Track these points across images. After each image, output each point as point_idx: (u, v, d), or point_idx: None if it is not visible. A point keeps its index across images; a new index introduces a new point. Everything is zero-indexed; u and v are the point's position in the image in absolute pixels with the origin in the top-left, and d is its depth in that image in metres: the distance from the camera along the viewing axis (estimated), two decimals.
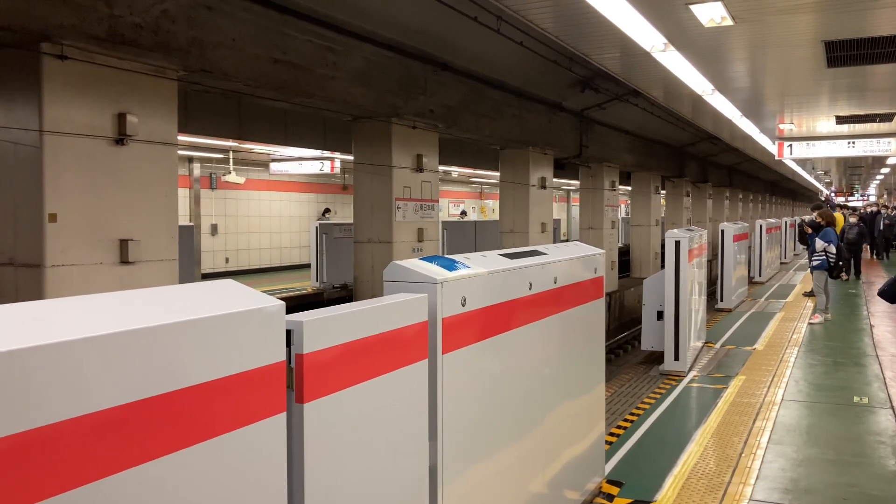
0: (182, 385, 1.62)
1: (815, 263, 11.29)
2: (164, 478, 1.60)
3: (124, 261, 5.67)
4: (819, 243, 11.09)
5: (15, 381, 1.30)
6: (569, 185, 31.84)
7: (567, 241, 30.94)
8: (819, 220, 11.83)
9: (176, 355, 1.61)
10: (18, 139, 5.34)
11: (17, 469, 1.30)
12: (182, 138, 10.50)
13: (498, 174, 13.38)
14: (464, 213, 31.29)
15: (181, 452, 1.63)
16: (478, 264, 3.13)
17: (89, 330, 1.44)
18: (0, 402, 1.28)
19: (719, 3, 6.34)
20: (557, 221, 17.25)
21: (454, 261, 3.01)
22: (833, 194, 46.19)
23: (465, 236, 16.78)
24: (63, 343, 1.38)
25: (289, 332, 1.99)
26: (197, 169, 18.32)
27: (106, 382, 1.46)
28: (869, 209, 27.96)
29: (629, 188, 21.09)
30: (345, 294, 14.23)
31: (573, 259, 4.15)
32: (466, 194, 32.88)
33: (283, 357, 1.94)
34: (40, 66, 5.20)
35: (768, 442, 5.53)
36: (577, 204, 19.94)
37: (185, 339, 1.64)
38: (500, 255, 3.50)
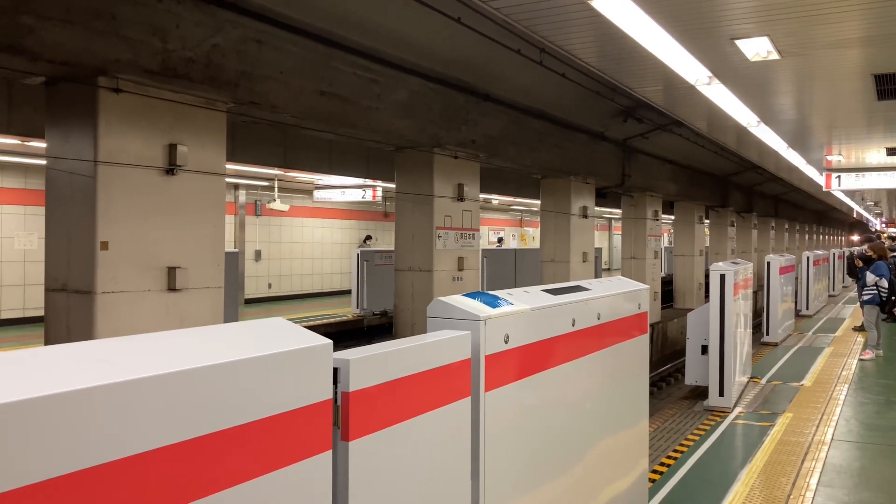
0: (236, 423, 1.65)
1: (865, 298, 10.99)
2: None
3: (171, 288, 5.79)
4: (870, 277, 10.81)
5: (80, 419, 1.34)
6: (610, 213, 31.66)
7: (608, 269, 30.56)
8: (870, 252, 11.54)
9: (231, 394, 1.64)
10: (74, 169, 5.52)
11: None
12: (228, 166, 10.72)
13: (538, 202, 13.36)
14: (500, 239, 31.15)
15: (231, 490, 1.65)
16: (521, 300, 3.11)
17: (151, 369, 1.48)
18: (65, 440, 1.32)
19: (765, 38, 6.29)
20: (599, 250, 17.09)
21: (497, 297, 3.00)
22: (884, 224, 44.95)
23: (506, 265, 16.71)
24: (124, 383, 1.42)
25: (335, 370, 2.01)
26: (242, 196, 18.67)
27: (165, 421, 1.49)
28: None
29: (672, 217, 20.87)
30: (385, 321, 14.29)
31: (617, 294, 4.11)
32: (506, 222, 32.85)
33: (331, 395, 1.96)
34: (96, 99, 5.39)
35: (818, 484, 5.36)
36: (619, 232, 19.73)
37: (241, 379, 1.67)
38: (543, 290, 3.49)
